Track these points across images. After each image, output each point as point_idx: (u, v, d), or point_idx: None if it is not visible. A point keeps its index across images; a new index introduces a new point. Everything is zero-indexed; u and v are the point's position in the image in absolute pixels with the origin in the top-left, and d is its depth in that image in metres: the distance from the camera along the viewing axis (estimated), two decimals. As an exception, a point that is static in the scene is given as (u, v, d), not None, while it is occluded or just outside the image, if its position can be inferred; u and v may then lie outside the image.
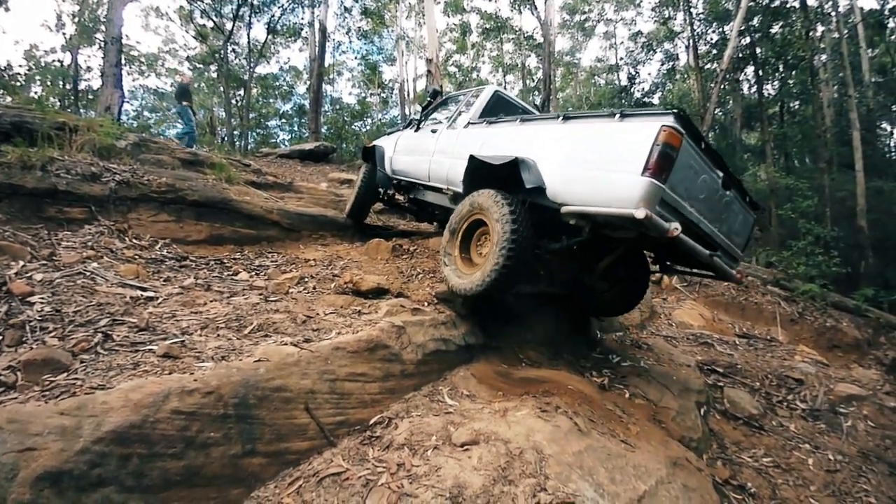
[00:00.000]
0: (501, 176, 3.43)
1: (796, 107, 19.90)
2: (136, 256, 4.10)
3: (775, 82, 18.53)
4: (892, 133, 17.10)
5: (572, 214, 2.93)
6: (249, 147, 26.18)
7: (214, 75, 26.85)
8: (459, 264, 3.71)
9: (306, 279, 4.11)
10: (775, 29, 13.83)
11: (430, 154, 5.01)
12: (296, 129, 32.05)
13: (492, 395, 3.11)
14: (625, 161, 2.65)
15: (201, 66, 28.64)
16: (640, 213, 2.43)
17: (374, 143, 6.35)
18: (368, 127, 28.48)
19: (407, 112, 27.90)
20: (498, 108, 4.80)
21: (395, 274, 4.57)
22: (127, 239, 4.50)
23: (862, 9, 11.93)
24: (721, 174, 3.06)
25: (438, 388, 3.02)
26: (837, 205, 12.34)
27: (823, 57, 15.11)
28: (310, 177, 12.60)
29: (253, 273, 4.24)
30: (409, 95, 27.82)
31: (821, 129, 13.24)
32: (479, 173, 3.72)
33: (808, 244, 10.56)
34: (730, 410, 4.40)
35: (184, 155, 7.36)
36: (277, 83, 31.24)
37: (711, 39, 16.82)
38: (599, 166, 2.85)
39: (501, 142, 3.84)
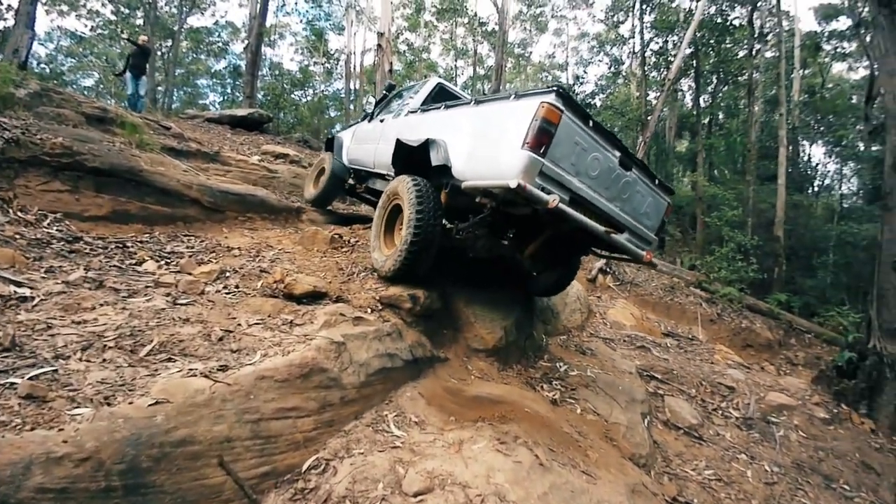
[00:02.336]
0: (422, 159, 3.62)
1: (722, 119, 21.34)
2: (17, 236, 3.27)
3: (706, 95, 19.68)
4: (809, 151, 18.94)
5: (471, 189, 3.09)
6: (173, 106, 23.62)
7: (140, 22, 23.76)
8: (383, 247, 3.96)
9: (228, 274, 3.49)
10: (723, 45, 14.51)
11: (376, 142, 5.13)
12: (229, 91, 29.45)
13: (443, 420, 2.77)
14: (510, 137, 2.81)
15: (126, 10, 25.19)
16: (513, 183, 2.56)
17: (336, 134, 6.72)
18: (310, 98, 26.78)
19: (352, 86, 26.62)
20: (440, 99, 4.82)
21: (333, 271, 4.06)
22: (10, 211, 3.63)
23: (801, 30, 12.85)
24: (618, 154, 3.15)
25: (383, 413, 2.62)
26: (758, 215, 13.37)
27: (755, 75, 16.17)
28: (240, 147, 11.39)
29: (162, 263, 3.54)
30: (355, 69, 26.48)
31: (750, 143, 14.23)
32: (404, 157, 4.02)
33: (731, 251, 11.28)
34: (671, 420, 4.42)
35: (91, 110, 6.30)
36: (211, 38, 28.39)
37: (657, 48, 17.41)
38: (493, 142, 3.06)
39: (428, 127, 3.97)
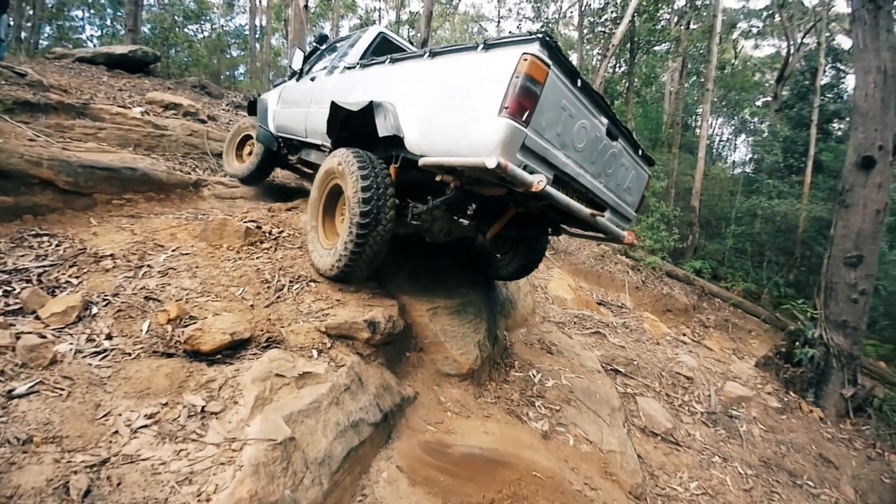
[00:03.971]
0: (364, 127, 2.99)
1: (637, 87, 21.86)
2: None
3: (622, 63, 19.85)
4: (714, 123, 20.21)
5: (432, 167, 2.51)
6: (41, 44, 18.76)
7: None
8: (323, 237, 3.30)
9: (95, 310, 2.34)
10: (660, 12, 14.39)
11: (307, 105, 4.29)
12: (108, 23, 24.13)
13: (437, 511, 2.05)
14: (481, 99, 2.23)
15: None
16: (491, 162, 2.00)
17: (261, 96, 5.64)
18: (207, 34, 22.89)
19: (258, 22, 23.20)
20: (383, 53, 4.05)
21: (254, 286, 3.00)
22: None
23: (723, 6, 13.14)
24: (606, 121, 2.67)
25: (358, 524, 1.83)
26: (676, 185, 14.00)
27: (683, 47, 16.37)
28: (119, 94, 9.04)
29: (-8, 294, 2.28)
30: (261, 3, 23.00)
31: (677, 114, 14.62)
32: (343, 123, 3.35)
33: (656, 220, 11.63)
34: (647, 427, 4.16)
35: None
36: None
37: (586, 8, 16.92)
38: (458, 108, 2.42)
39: (370, 86, 3.31)
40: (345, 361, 2.50)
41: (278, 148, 4.95)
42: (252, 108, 5.66)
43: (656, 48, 17.89)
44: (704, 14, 14.75)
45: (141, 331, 2.24)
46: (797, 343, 5.51)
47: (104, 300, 2.47)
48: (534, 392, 3.71)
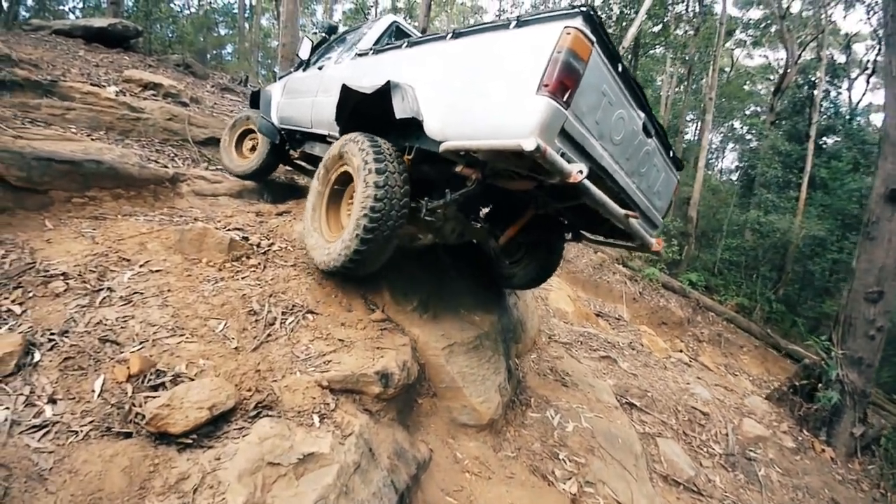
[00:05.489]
0: (378, 112, 2.75)
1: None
2: None
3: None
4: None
5: (453, 152, 2.28)
6: (20, 16, 17.40)
7: None
8: (325, 229, 3.06)
9: (38, 357, 1.82)
10: (668, 16, 14.09)
11: (314, 94, 4.01)
12: (92, -5, 22.69)
13: None
14: (516, 77, 2.01)
15: None
16: (529, 144, 1.76)
17: (265, 87, 5.43)
18: (194, 9, 21.75)
19: (247, 1, 22.17)
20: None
21: (239, 320, 2.45)
22: None
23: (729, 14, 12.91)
24: (643, 115, 2.43)
25: None
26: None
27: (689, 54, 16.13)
28: (95, 71, 8.22)
29: None
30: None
31: (681, 122, 14.37)
32: (355, 109, 3.09)
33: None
34: (670, 476, 3.81)
35: None
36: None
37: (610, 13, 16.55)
38: (487, 89, 2.18)
39: (385, 71, 3.00)
40: (352, 427, 2.03)
41: (281, 141, 4.64)
42: (254, 100, 5.39)
43: (652, 52, 17.68)
44: (708, 20, 14.49)
45: (93, 392, 1.73)
46: (819, 382, 5.29)
47: (50, 340, 1.95)
48: (555, 439, 3.31)
